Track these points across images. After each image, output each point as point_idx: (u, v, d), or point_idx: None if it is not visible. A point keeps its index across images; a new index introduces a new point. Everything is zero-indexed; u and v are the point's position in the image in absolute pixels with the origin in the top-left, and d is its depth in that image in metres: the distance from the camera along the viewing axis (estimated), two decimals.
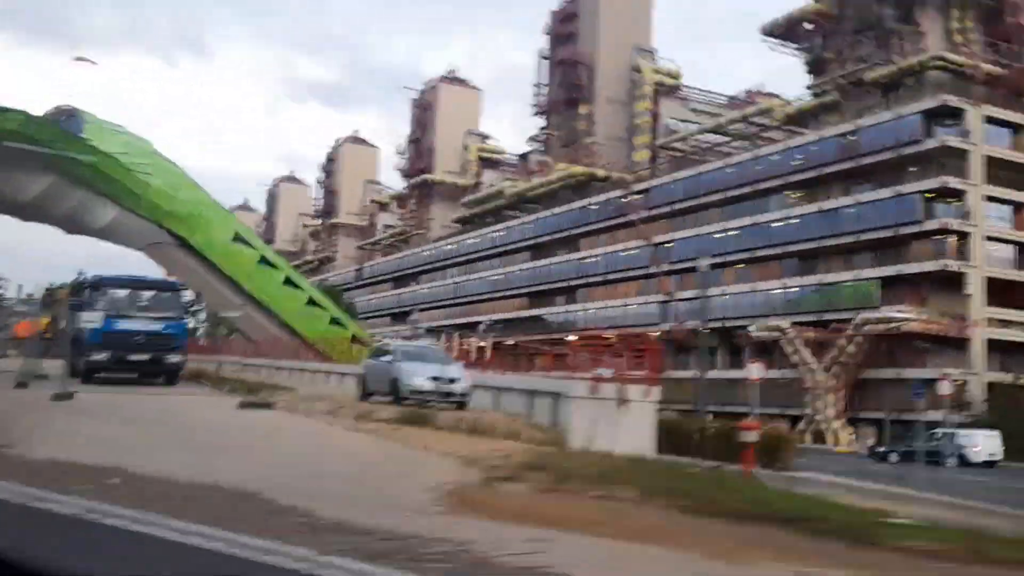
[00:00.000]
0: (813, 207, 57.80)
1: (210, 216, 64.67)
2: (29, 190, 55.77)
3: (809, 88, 63.49)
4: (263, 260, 67.65)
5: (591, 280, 76.92)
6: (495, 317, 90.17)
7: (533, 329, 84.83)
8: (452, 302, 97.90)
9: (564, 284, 79.92)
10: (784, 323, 57.13)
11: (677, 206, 68.33)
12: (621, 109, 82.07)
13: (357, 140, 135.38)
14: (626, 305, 72.77)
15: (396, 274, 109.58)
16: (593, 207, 77.19)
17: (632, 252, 72.60)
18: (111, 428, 11.64)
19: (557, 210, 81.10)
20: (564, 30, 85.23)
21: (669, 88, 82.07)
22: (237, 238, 66.01)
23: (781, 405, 52.86)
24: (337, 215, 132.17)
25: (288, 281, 67.96)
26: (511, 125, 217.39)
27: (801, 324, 57.08)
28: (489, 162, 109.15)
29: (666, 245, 69.45)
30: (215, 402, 17.17)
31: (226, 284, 66.43)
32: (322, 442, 11.89)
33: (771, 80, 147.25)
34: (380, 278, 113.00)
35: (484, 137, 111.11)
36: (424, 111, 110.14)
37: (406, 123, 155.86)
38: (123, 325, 19.54)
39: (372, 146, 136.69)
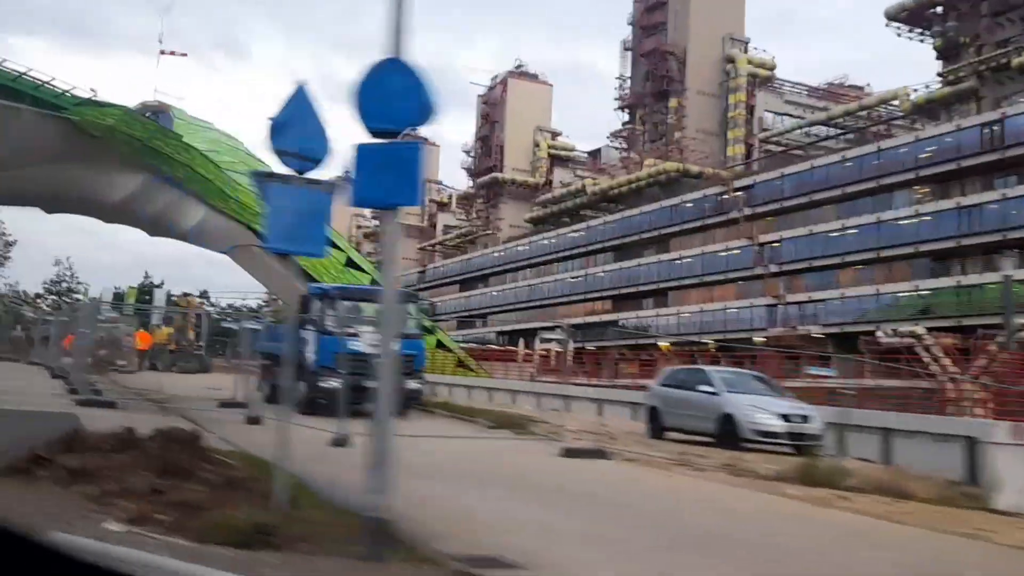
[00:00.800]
0: (950, 203, 53.32)
1: None
2: (120, 190, 52.71)
3: (940, 76, 58.96)
4: (350, 262, 64.45)
5: (685, 282, 72.89)
6: (573, 321, 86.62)
7: (615, 334, 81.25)
8: (525, 305, 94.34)
9: (653, 286, 75.91)
10: (919, 328, 52.74)
11: (786, 203, 64.09)
12: (713, 102, 77.92)
13: (417, 139, 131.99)
14: (726, 309, 68.66)
15: (463, 276, 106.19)
16: (687, 204, 73.13)
17: (733, 252, 68.46)
18: (494, 501, 7.98)
19: (646, 208, 77.08)
20: (650, 20, 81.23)
21: (763, 79, 77.83)
22: (327, 242, 62.90)
23: None
24: (396, 215, 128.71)
25: (375, 284, 64.74)
26: (562, 123, 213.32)
27: (935, 330, 52.74)
28: (559, 160, 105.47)
29: (772, 245, 65.33)
30: (514, 447, 13.41)
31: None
32: (797, 529, 8.12)
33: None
34: (444, 280, 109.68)
35: (555, 134, 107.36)
36: (492, 107, 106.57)
37: (456, 121, 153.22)
38: (357, 345, 15.95)
39: (433, 144, 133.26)
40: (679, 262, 73.46)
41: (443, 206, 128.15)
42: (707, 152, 76.32)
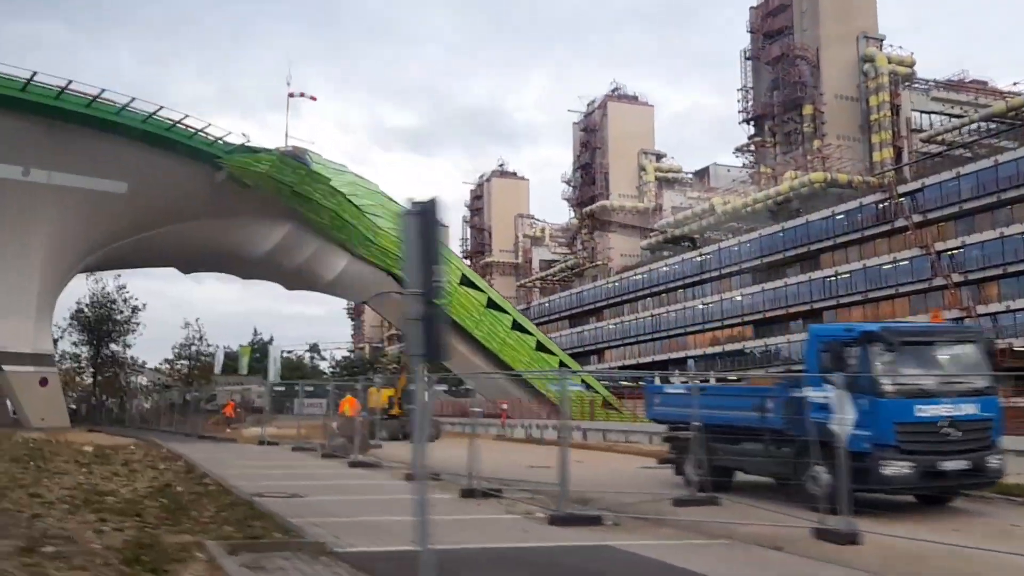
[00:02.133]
0: None
1: None
2: (266, 242, 49.13)
3: None
4: (491, 303, 60.31)
5: (843, 300, 67.32)
6: (708, 351, 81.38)
7: (757, 362, 75.83)
8: (650, 337, 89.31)
9: (805, 307, 70.37)
10: None
11: (965, 205, 58.45)
12: (852, 106, 72.78)
13: (505, 174, 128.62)
14: None
15: (573, 311, 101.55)
16: (838, 216, 67.72)
17: (901, 263, 62.86)
18: None
19: (789, 224, 71.81)
20: (773, 26, 76.60)
21: (903, 77, 72.49)
22: (464, 281, 58.85)
23: None
24: (490, 253, 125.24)
25: (516, 325, 60.45)
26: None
27: None
28: (667, 182, 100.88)
29: (952, 252, 59.70)
30: None
31: (454, 334, 59.23)
32: None
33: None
34: (552, 316, 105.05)
35: (659, 156, 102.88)
36: (591, 133, 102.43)
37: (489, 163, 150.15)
38: (930, 410, 11.25)
39: (522, 179, 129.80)
40: (835, 279, 67.99)
41: (537, 240, 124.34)
42: (851, 159, 71.09)
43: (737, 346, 77.60)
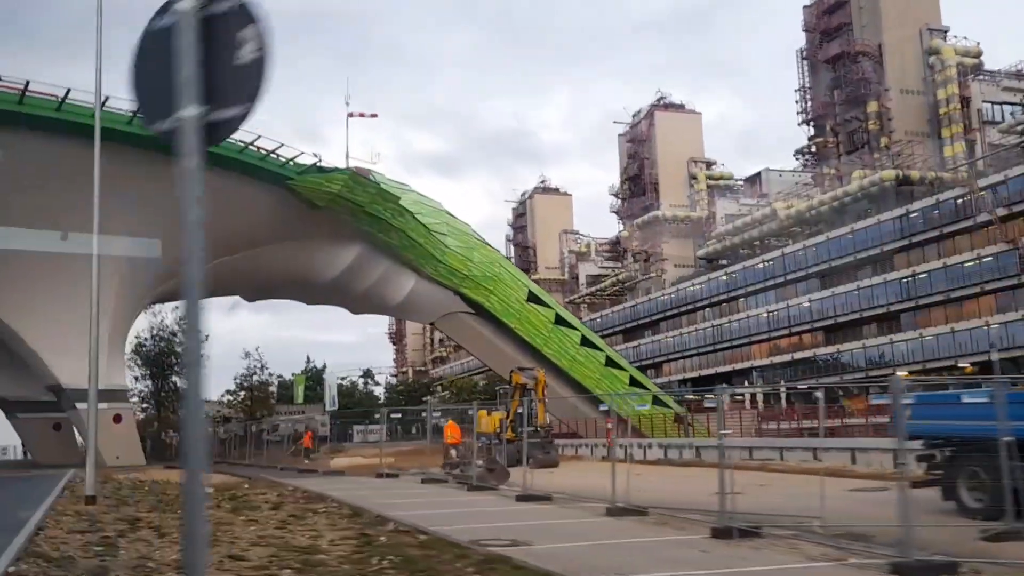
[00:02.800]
0: None
1: (504, 276, 55.79)
2: (335, 266, 47.47)
3: None
4: (558, 319, 58.36)
5: (923, 301, 64.60)
6: (775, 360, 78.81)
7: (830, 369, 73.13)
8: (711, 348, 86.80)
9: (881, 310, 67.70)
10: None
11: None
12: (918, 100, 70.29)
13: (547, 190, 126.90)
14: (988, 325, 60.08)
15: (627, 325, 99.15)
16: (913, 214, 65.11)
17: (986, 260, 60.09)
18: None
19: (859, 225, 69.23)
20: (831, 23, 74.37)
21: (970, 69, 69.98)
22: (531, 297, 57.00)
23: None
24: (536, 271, 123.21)
25: (585, 341, 58.45)
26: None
27: None
28: (719, 190, 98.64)
29: None
30: None
31: (521, 352, 57.37)
32: None
33: None
34: (605, 331, 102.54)
35: (709, 164, 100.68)
36: (639, 144, 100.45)
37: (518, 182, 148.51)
38: None
39: (564, 194, 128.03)
40: (912, 279, 65.28)
41: (583, 256, 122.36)
42: (920, 155, 68.54)
43: (807, 354, 74.91)
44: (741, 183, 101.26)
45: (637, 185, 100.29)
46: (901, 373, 65.18)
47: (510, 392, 29.03)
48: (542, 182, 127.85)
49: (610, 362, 59.97)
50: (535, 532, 11.57)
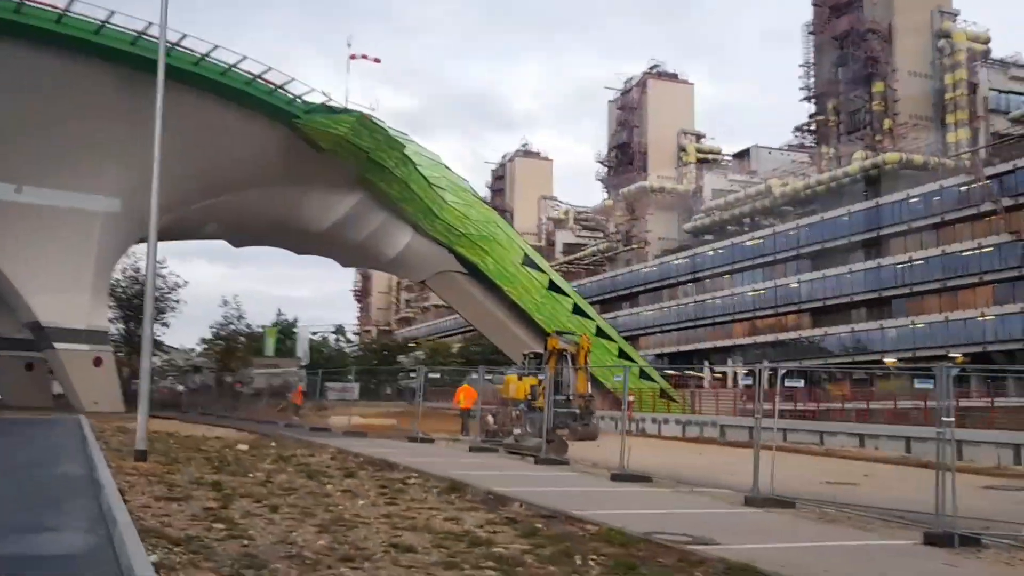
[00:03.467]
0: None
1: (500, 237, 53.65)
2: (332, 213, 44.92)
3: None
4: (552, 285, 56.48)
5: (917, 288, 63.79)
6: (759, 339, 77.84)
7: (815, 352, 72.32)
8: (692, 324, 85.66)
9: (873, 294, 66.84)
10: None
11: None
12: (925, 83, 69.09)
13: (528, 154, 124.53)
14: (983, 316, 59.46)
15: (605, 296, 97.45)
16: (912, 200, 64.08)
17: (986, 250, 59.29)
18: None
19: (856, 207, 68.12)
20: None
21: (978, 55, 68.87)
22: (527, 261, 55.00)
23: None
24: None
25: (577, 309, 56.66)
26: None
27: None
28: (707, 164, 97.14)
29: None
30: None
31: (512, 315, 55.51)
32: None
33: None
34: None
35: (699, 136, 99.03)
36: (630, 112, 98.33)
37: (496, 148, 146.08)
38: None
39: (545, 159, 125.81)
40: (908, 266, 64.41)
41: (560, 223, 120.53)
42: (924, 140, 67.48)
43: (791, 335, 74.05)
44: (729, 159, 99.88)
45: (625, 154, 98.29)
46: (889, 360, 64.64)
47: (544, 357, 27.04)
48: (523, 145, 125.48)
49: (600, 332, 58.22)
50: (697, 524, 9.68)
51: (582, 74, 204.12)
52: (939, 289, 62.28)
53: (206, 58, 33.55)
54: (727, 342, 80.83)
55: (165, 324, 57.92)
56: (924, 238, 63.68)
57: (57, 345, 35.91)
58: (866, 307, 68.48)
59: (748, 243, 79.28)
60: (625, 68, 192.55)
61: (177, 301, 56.73)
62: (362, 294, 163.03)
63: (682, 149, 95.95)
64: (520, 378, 26.80)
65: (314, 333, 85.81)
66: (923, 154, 66.05)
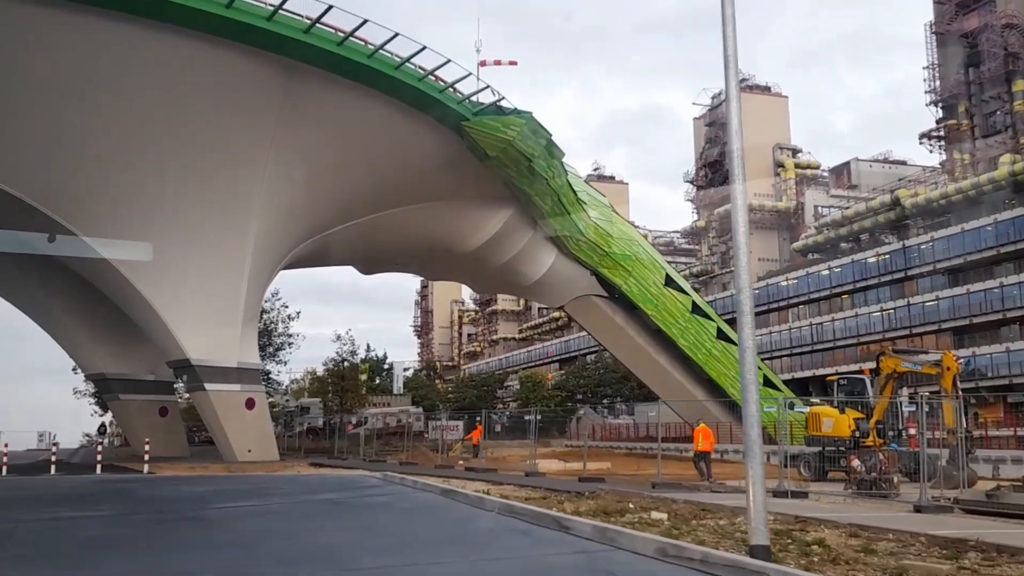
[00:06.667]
0: None
1: (642, 256, 48.79)
2: (482, 232, 40.22)
3: None
4: (695, 308, 51.54)
5: None
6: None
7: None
8: (810, 349, 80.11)
9: None
10: None
11: None
12: None
13: (602, 178, 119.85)
14: None
15: None
16: None
17: None
18: None
19: (1003, 216, 62.62)
20: None
21: None
22: (669, 282, 50.12)
23: None
24: None
25: (721, 334, 51.52)
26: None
27: None
28: (807, 180, 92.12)
29: None
30: None
31: (653, 342, 50.58)
32: None
33: None
34: None
35: (795, 151, 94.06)
36: (719, 127, 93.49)
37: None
38: None
39: (621, 183, 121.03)
40: None
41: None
42: None
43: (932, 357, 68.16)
44: (826, 174, 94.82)
45: (716, 172, 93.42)
46: None
47: (878, 383, 22.02)
48: (595, 169, 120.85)
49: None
50: None
51: (612, 100, 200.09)
52: None
53: (382, 50, 29.11)
54: (851, 367, 75.11)
55: (283, 362, 53.42)
56: None
57: (208, 386, 31.36)
58: (1021, 323, 62.74)
59: (871, 259, 73.79)
60: (649, 91, 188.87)
61: (292, 336, 52.12)
62: (423, 329, 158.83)
63: (779, 165, 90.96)
64: (843, 411, 21.74)
65: (406, 369, 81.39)
66: None
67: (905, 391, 22.53)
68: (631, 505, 14.22)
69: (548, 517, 10.58)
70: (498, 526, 10.70)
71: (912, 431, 18.45)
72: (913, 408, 20.34)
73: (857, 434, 21.00)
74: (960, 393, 19.84)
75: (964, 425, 17.80)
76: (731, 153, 9.30)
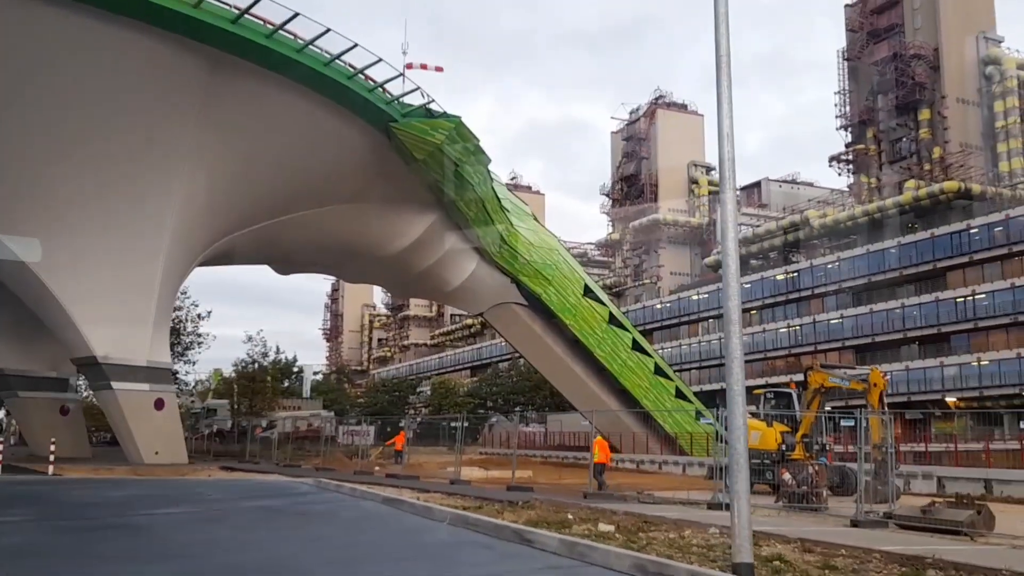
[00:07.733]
0: None
1: (563, 266, 48.86)
2: (405, 236, 39.59)
3: None
4: (612, 319, 51.79)
5: (983, 323, 60.57)
6: (794, 378, 73.89)
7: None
8: (717, 363, 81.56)
9: (929, 330, 63.43)
10: None
11: None
12: (973, 111, 66.68)
13: (519, 187, 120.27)
14: None
15: None
16: (973, 231, 61.09)
17: None
18: None
19: (906, 239, 64.96)
20: (879, 24, 70.25)
21: None
22: (587, 292, 50.31)
23: None
24: None
25: (636, 345, 51.96)
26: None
27: None
28: (717, 197, 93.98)
29: None
30: None
31: (571, 351, 50.66)
32: None
33: None
34: None
35: (709, 168, 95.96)
36: (637, 142, 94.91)
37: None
38: None
39: (537, 193, 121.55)
40: (971, 300, 61.19)
41: None
42: (975, 169, 64.88)
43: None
44: (737, 192, 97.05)
45: (632, 186, 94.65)
46: (950, 400, 61.22)
47: (806, 397, 22.26)
48: (512, 178, 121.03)
49: (658, 370, 53.59)
50: None
51: (530, 110, 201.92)
52: (1009, 324, 59.07)
53: (312, 45, 28.31)
54: (758, 381, 76.81)
55: (191, 362, 51.54)
56: (986, 271, 60.63)
57: (115, 385, 29.92)
58: (920, 343, 65.12)
59: (780, 277, 75.71)
60: (567, 102, 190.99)
61: (200, 335, 50.30)
62: (332, 333, 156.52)
63: (694, 181, 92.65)
64: (770, 424, 21.90)
65: (316, 373, 79.92)
66: (980, 183, 63.28)
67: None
68: (570, 516, 13.94)
69: (507, 529, 10.19)
70: (455, 539, 10.27)
71: (834, 446, 18.69)
72: (852, 423, 20.69)
73: (784, 447, 21.28)
74: (887, 409, 20.21)
75: (891, 441, 18.18)
76: (722, 160, 9.03)
